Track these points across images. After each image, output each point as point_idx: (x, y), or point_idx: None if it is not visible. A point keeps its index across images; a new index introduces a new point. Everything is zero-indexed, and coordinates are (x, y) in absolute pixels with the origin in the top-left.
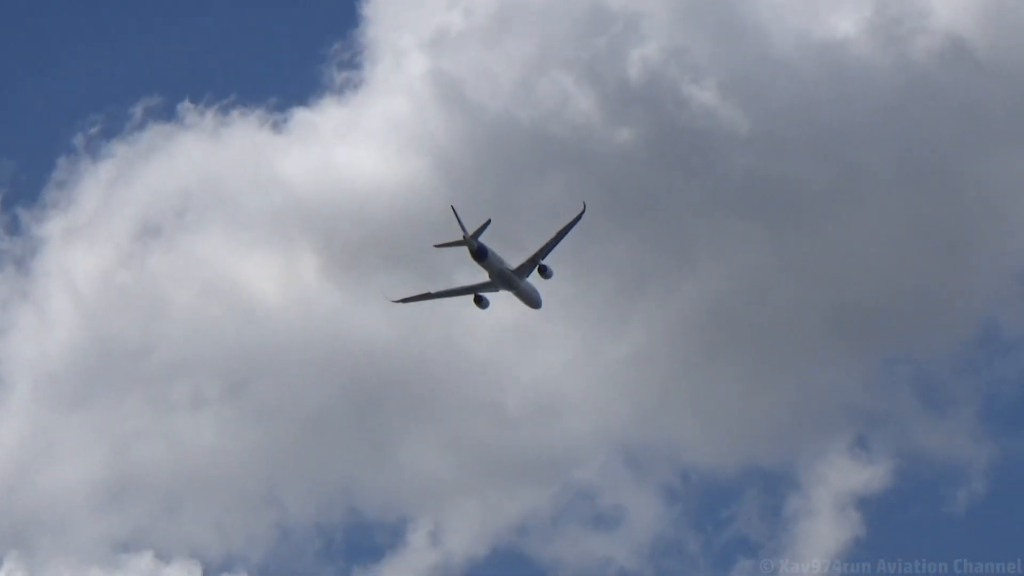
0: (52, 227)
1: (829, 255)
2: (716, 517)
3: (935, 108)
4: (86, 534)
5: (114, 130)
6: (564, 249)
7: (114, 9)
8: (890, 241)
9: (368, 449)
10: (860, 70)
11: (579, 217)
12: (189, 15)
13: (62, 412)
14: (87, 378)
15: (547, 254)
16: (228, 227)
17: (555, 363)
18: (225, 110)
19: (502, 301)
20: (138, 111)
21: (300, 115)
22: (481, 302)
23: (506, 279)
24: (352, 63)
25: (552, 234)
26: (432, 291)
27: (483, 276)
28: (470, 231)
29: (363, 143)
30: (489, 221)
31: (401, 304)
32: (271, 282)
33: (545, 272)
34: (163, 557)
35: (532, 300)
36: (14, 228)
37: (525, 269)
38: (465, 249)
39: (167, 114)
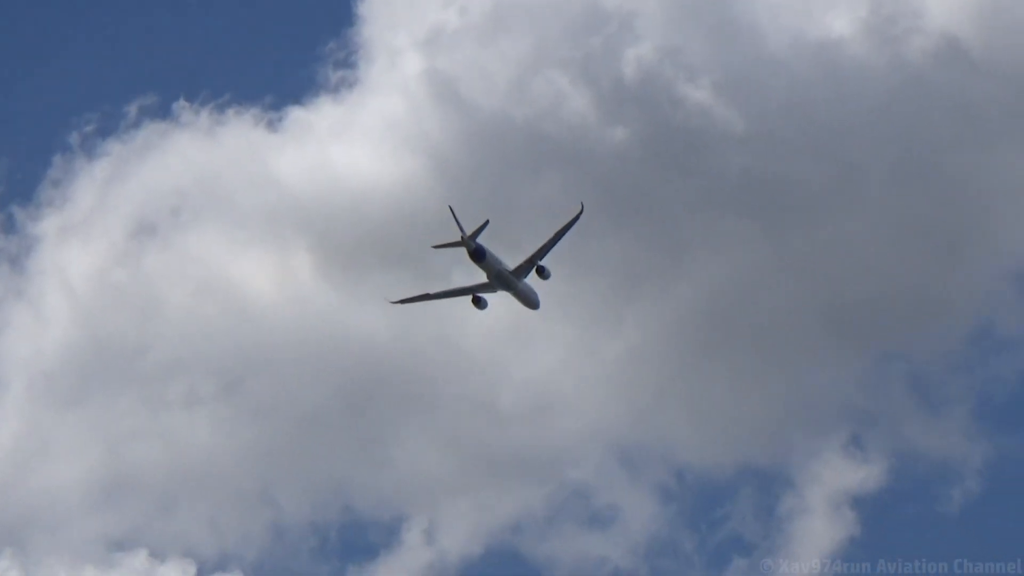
0: (47, 225)
1: (824, 254)
2: (711, 516)
3: (930, 108)
4: (81, 532)
5: (109, 128)
6: (559, 248)
7: (110, 8)
8: (885, 240)
9: (363, 448)
10: (855, 70)
11: (577, 217)
12: (185, 14)
13: (57, 410)
14: (82, 376)
15: (545, 255)
16: (223, 226)
17: (550, 362)
18: (220, 109)
19: (499, 301)
20: (133, 109)
21: (295, 114)
22: (479, 303)
23: (504, 280)
24: (347, 62)
25: (550, 235)
26: (431, 292)
27: (481, 277)
28: (468, 232)
29: (358, 142)
30: (487, 222)
31: (399, 305)
32: (266, 281)
33: (543, 273)
34: (158, 556)
35: (530, 301)
36: (9, 226)
37: (523, 270)
38: (463, 250)
39: (162, 112)
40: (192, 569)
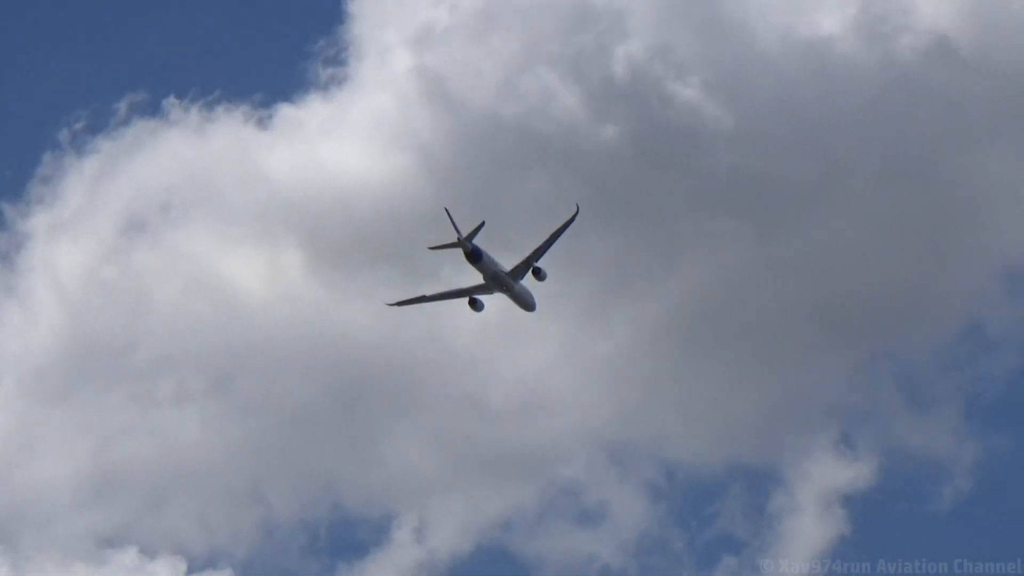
0: (37, 222)
1: (813, 252)
2: (700, 514)
3: (920, 106)
4: (71, 530)
5: (99, 125)
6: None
7: (100, 5)
8: (874, 239)
9: (353, 445)
10: (844, 68)
11: (572, 219)
12: (174, 11)
13: (47, 407)
14: (72, 373)
15: (540, 256)
16: (213, 223)
17: (540, 360)
18: (210, 106)
19: (495, 302)
20: (123, 106)
21: (285, 111)
22: (476, 305)
23: (500, 281)
24: (337, 59)
25: (545, 236)
26: (427, 294)
27: (476, 278)
28: (464, 233)
29: (348, 139)
30: (483, 223)
31: (396, 307)
32: (256, 278)
33: (539, 274)
34: (148, 553)
35: (526, 303)
36: None
37: (519, 272)
38: (457, 250)
39: (152, 110)
40: (182, 566)
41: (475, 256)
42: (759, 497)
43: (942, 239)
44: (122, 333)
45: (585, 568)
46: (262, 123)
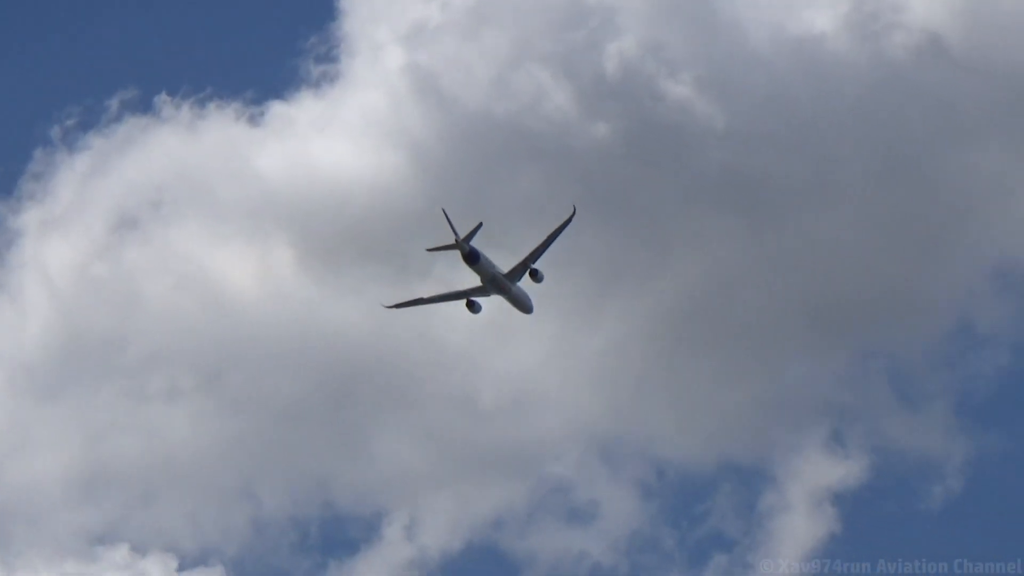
0: (28, 219)
1: (805, 250)
2: (691, 512)
3: (911, 104)
4: (61, 527)
5: (90, 122)
6: (538, 241)
7: (91, 2)
8: (866, 236)
9: (343, 443)
10: (836, 66)
11: (569, 220)
12: (166, 7)
13: (37, 404)
14: (63, 370)
15: (538, 258)
16: (204, 220)
17: (531, 357)
18: (202, 103)
19: (490, 303)
20: (114, 103)
21: (276, 108)
22: (473, 307)
23: (498, 283)
24: (329, 56)
25: (539, 235)
26: (424, 296)
27: (471, 278)
28: (462, 235)
29: (339, 137)
30: (480, 224)
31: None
32: (247, 275)
33: (536, 276)
34: (139, 550)
35: (524, 305)
36: None
37: (516, 273)
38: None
39: (143, 107)
40: (173, 563)
41: (473, 258)
42: (750, 495)
43: (933, 237)
44: (113, 330)
45: (576, 566)
46: (253, 120)
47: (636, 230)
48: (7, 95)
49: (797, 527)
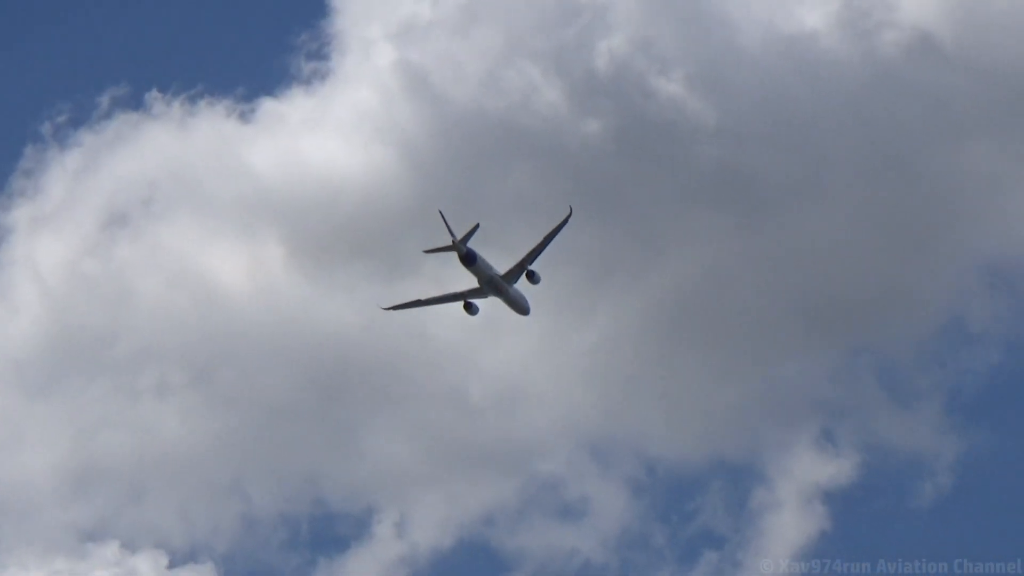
0: (19, 215)
1: (796, 248)
2: (681, 509)
3: (903, 102)
4: (51, 523)
5: (81, 119)
6: (531, 240)
7: None
8: (857, 234)
9: (334, 440)
10: (827, 63)
11: (566, 221)
12: (157, 4)
13: (27, 400)
14: (53, 366)
15: (535, 259)
16: (195, 217)
17: (521, 354)
18: (193, 100)
19: (486, 303)
20: (105, 100)
21: (267, 105)
22: (471, 308)
23: (495, 285)
24: (320, 53)
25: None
26: (422, 298)
27: (467, 278)
28: (459, 236)
29: (330, 134)
30: (477, 226)
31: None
32: (238, 272)
33: (533, 277)
34: (129, 547)
35: (520, 307)
36: None
37: (513, 274)
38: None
39: (134, 103)
40: (163, 560)
41: (470, 259)
42: (740, 492)
43: (924, 234)
44: (104, 327)
45: (566, 563)
46: (244, 117)
47: (627, 227)
48: None
49: (788, 525)
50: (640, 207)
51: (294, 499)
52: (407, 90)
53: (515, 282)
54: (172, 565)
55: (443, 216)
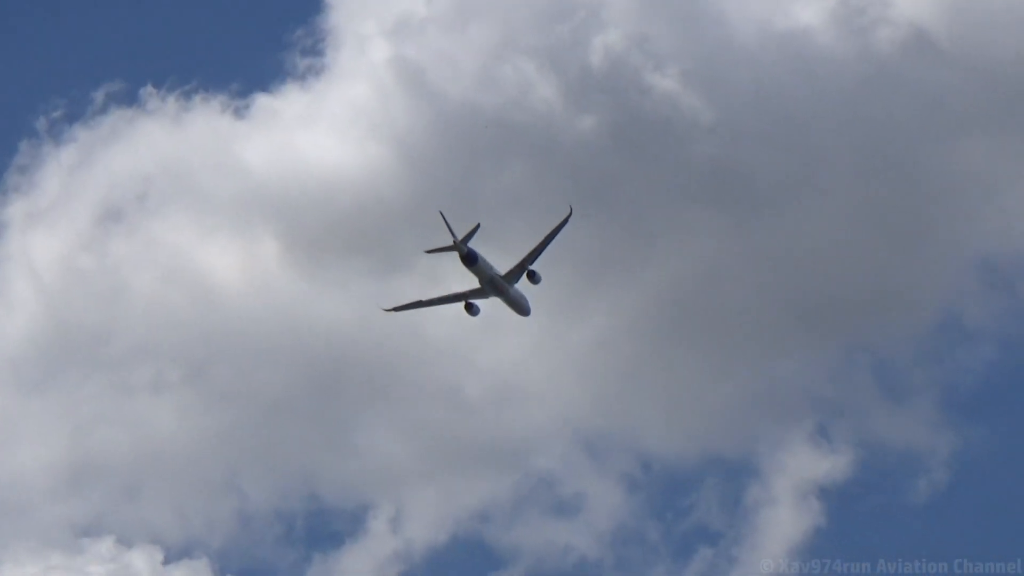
0: (14, 211)
1: (791, 244)
2: (677, 506)
3: (897, 98)
4: (47, 519)
5: (76, 114)
6: (526, 236)
7: None
8: (852, 230)
9: (329, 436)
10: (823, 60)
11: (566, 220)
12: (152, 0)
13: (22, 396)
14: (48, 363)
15: (535, 259)
16: (190, 212)
17: (516, 350)
18: (187, 95)
19: (483, 302)
20: (100, 96)
21: (262, 101)
22: (472, 309)
23: (496, 285)
24: (315, 49)
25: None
26: (423, 299)
27: (470, 280)
28: (460, 236)
29: (325, 129)
30: (478, 226)
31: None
32: (232, 267)
33: (534, 277)
34: (124, 542)
35: (521, 307)
36: None
37: (513, 275)
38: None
39: (129, 99)
40: (159, 556)
41: (471, 259)
42: (735, 489)
43: (919, 231)
44: (99, 322)
45: (561, 559)
46: (239, 113)
47: (622, 223)
48: None
49: (783, 521)
50: (635, 203)
51: (289, 495)
52: (402, 86)
53: (516, 282)
54: (167, 561)
55: (444, 217)
